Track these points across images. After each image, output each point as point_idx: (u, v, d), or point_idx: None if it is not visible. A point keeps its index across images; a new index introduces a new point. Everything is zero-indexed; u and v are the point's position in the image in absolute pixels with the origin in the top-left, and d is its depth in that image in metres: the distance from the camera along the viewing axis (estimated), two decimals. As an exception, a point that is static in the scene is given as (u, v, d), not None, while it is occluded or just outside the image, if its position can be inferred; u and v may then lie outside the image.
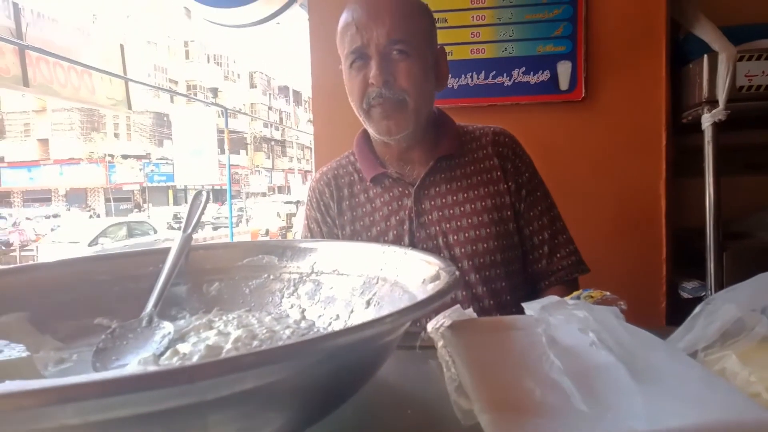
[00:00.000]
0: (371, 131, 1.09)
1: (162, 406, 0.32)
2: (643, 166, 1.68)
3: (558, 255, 1.14)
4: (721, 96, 1.41)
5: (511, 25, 1.73)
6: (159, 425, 0.34)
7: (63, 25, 5.59)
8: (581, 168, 1.70)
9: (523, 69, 1.73)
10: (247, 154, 34.08)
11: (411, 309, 0.40)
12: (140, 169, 27.96)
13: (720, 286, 1.46)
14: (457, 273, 0.51)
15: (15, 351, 0.55)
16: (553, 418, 0.38)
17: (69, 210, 24.54)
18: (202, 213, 0.87)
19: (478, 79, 1.75)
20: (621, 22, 1.69)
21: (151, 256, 0.81)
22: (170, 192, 30.96)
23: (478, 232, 1.10)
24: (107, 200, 27.90)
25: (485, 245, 1.09)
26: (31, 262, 0.73)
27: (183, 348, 0.63)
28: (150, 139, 30.35)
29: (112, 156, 27.77)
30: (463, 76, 1.75)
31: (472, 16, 1.75)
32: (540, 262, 1.14)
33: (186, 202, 30.66)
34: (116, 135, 28.78)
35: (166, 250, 0.80)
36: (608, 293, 0.65)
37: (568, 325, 0.48)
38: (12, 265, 0.71)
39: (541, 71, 1.72)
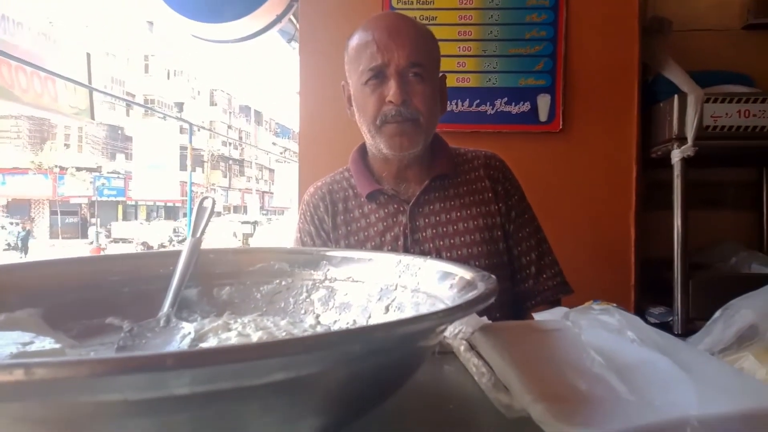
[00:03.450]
0: (380, 146, 1.11)
1: (207, 387, 0.32)
2: (614, 197, 1.78)
3: (544, 275, 1.18)
4: (690, 134, 1.52)
5: (495, 58, 1.82)
6: (193, 409, 0.33)
7: (28, 30, 5.42)
8: (557, 195, 1.78)
9: (506, 99, 1.81)
10: (203, 171, 33.49)
11: (474, 302, 0.42)
12: (90, 182, 26.96)
13: (686, 312, 1.55)
14: (494, 276, 0.54)
15: (45, 343, 0.54)
16: (604, 407, 0.41)
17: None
18: (209, 218, 0.87)
19: (462, 106, 1.82)
20: (597, 62, 1.80)
21: (162, 259, 0.80)
22: (120, 207, 29.96)
23: (470, 250, 1.14)
24: (53, 213, 26.72)
25: (477, 263, 1.13)
26: (47, 258, 0.71)
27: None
28: (102, 152, 29.43)
29: (62, 168, 26.73)
30: (448, 102, 1.81)
31: (459, 47, 1.82)
32: (527, 281, 1.18)
33: (136, 218, 29.78)
34: (67, 146, 27.77)
35: (177, 253, 0.80)
36: (615, 304, 0.69)
37: (597, 328, 0.52)
38: (28, 260, 0.70)
39: (522, 102, 1.81)
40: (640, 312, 1.74)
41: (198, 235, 0.83)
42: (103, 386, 0.29)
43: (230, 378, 0.32)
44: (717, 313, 0.52)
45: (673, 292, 1.58)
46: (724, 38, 1.97)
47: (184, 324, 0.69)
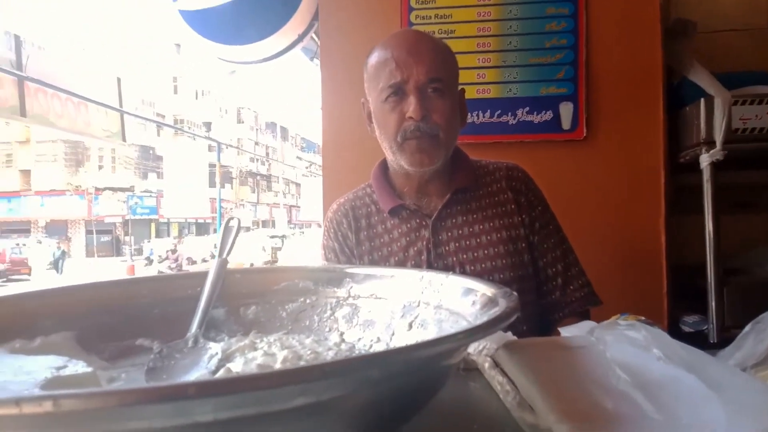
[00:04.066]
0: (401, 162, 1.12)
1: (230, 414, 0.32)
2: (643, 204, 1.74)
3: (571, 287, 1.17)
4: (719, 137, 1.48)
5: (515, 68, 1.81)
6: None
7: (62, 58, 5.65)
8: (584, 205, 1.76)
9: (527, 109, 1.80)
10: (232, 187, 34.05)
11: (494, 321, 0.42)
12: (124, 202, 27.71)
13: (721, 319, 1.50)
14: (515, 293, 0.53)
15: (78, 366, 0.56)
16: (630, 426, 0.40)
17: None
18: (235, 238, 0.89)
19: (483, 117, 1.82)
20: (620, 67, 1.78)
21: (190, 280, 0.82)
22: (152, 225, 30.63)
23: (494, 263, 1.13)
24: (88, 232, 27.51)
25: (501, 276, 1.12)
26: (80, 283, 0.74)
27: (234, 367, 0.64)
28: (135, 172, 30.20)
29: (98, 189, 27.58)
30: (469, 114, 1.81)
31: (478, 58, 1.83)
32: (554, 293, 1.17)
33: (168, 235, 30.42)
34: (100, 167, 28.62)
35: (204, 274, 0.82)
36: (643, 318, 0.68)
37: (624, 344, 0.51)
38: (62, 285, 0.72)
39: (544, 111, 1.80)
40: (674, 321, 1.69)
41: (224, 255, 0.85)
42: (128, 415, 0.30)
43: (252, 404, 0.33)
44: (747, 327, 0.51)
45: (707, 300, 1.53)
46: (750, 38, 1.93)
47: (212, 344, 0.70)
